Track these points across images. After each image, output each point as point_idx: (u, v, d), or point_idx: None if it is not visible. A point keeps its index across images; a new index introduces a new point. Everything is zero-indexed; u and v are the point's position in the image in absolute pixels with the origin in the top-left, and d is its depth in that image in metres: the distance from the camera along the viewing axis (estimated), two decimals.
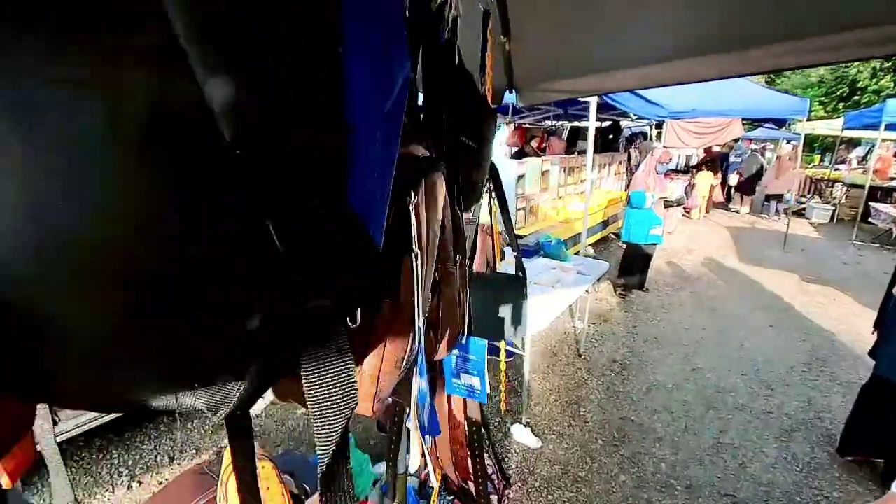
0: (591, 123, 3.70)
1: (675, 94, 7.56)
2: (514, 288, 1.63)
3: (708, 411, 2.84)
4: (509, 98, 2.52)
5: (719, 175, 9.64)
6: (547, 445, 2.51)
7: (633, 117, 5.66)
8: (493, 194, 1.67)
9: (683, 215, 9.21)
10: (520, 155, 5.42)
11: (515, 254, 1.68)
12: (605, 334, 3.88)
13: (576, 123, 10.05)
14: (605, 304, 4.53)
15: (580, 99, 3.64)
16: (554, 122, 8.27)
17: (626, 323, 4.12)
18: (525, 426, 2.60)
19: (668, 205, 4.93)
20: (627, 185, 4.66)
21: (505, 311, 1.62)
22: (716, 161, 9.43)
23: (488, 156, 1.14)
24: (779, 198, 9.23)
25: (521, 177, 4.64)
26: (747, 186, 10.13)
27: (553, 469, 2.35)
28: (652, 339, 3.81)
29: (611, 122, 9.64)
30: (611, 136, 11.16)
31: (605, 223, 6.33)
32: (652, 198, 4.38)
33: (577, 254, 4.55)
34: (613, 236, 6.69)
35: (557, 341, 3.72)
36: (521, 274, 1.65)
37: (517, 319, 1.63)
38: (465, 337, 1.13)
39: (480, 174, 1.13)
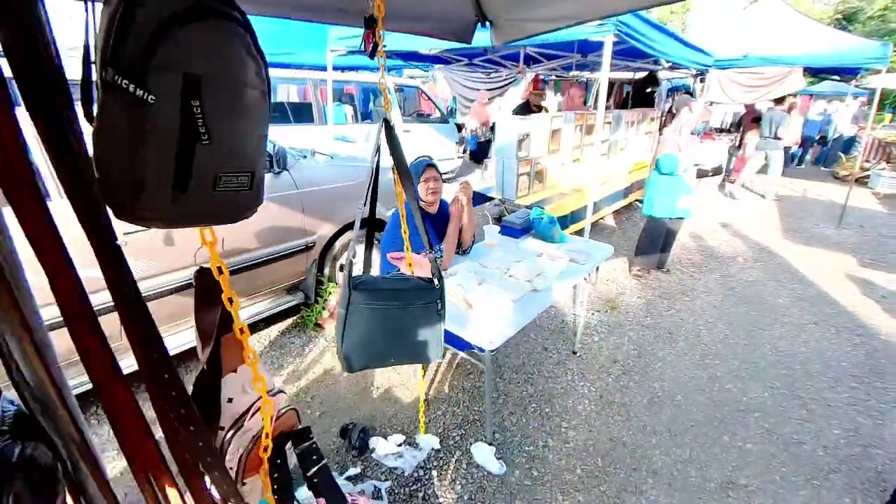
0: (604, 72, 2.94)
1: (722, 38, 6.46)
2: (424, 300, 1.14)
3: (722, 436, 2.30)
4: (482, 36, 1.92)
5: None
6: (512, 472, 2.06)
7: (666, 64, 4.74)
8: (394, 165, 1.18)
9: (727, 181, 8.21)
10: (526, 110, 4.67)
11: (428, 255, 1.19)
12: (609, 325, 3.32)
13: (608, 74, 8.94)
14: (615, 287, 3.93)
15: (591, 39, 2.88)
16: (579, 73, 7.32)
17: (637, 312, 3.53)
18: (490, 445, 2.15)
19: (701, 174, 4.16)
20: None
21: (410, 330, 1.14)
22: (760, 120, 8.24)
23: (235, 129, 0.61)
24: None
25: (524, 137, 3.96)
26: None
27: None
28: (665, 333, 3.23)
29: (647, 74, 8.55)
30: (648, 91, 10.02)
31: (629, 190, 5.57)
32: (685, 161, 3.64)
33: (580, 232, 3.93)
34: (639, 203, 5.92)
35: (550, 332, 3.20)
36: (436, 282, 1.16)
37: (425, 342, 1.16)
38: None
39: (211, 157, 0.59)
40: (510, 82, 8.60)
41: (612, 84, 10.11)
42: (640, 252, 4.07)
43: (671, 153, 3.60)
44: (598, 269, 2.49)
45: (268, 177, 2.73)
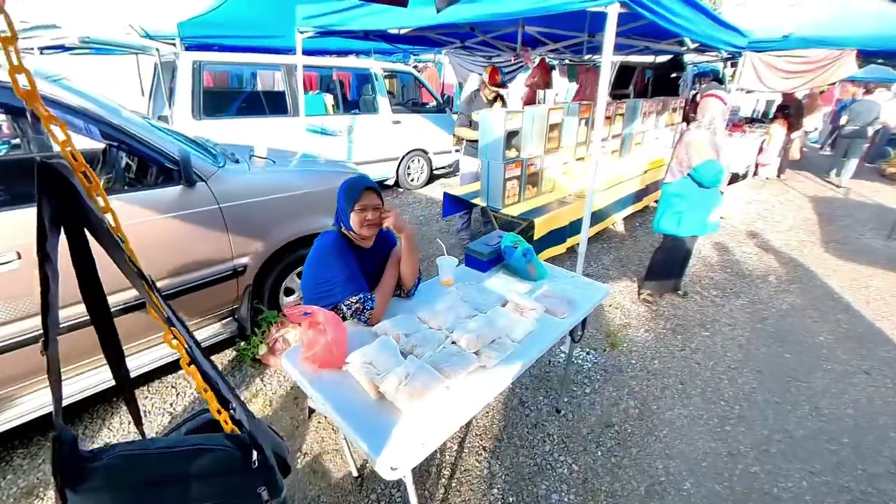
0: (607, 52, 2.26)
1: (760, 16, 5.60)
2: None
3: None
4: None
5: (802, 127, 7.57)
6: None
7: (692, 45, 3.97)
8: None
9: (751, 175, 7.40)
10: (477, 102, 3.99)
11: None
12: (606, 370, 2.71)
13: (625, 58, 8.13)
14: (619, 315, 3.31)
15: (590, 9, 2.21)
16: (593, 56, 6.56)
17: (643, 351, 2.91)
18: None
19: (731, 180, 3.47)
20: (673, 149, 3.21)
21: None
22: (800, 110, 7.35)
23: None
24: None
25: (512, 133, 3.32)
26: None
27: None
28: (676, 384, 2.62)
29: (670, 57, 7.71)
30: (672, 77, 9.12)
31: (643, 193, 4.87)
32: (727, 171, 2.97)
33: (573, 248, 3.30)
34: (655, 204, 5.19)
35: (531, 379, 2.61)
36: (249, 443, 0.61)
37: None
38: None
39: None
40: (518, 68, 7.87)
41: (631, 69, 9.25)
42: (653, 276, 3.42)
43: (713, 160, 2.90)
44: (584, 322, 1.89)
45: (173, 191, 2.20)
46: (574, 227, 3.63)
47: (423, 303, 1.81)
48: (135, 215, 2.08)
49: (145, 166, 2.48)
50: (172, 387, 2.59)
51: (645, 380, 2.64)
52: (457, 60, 7.51)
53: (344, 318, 1.72)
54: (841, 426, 2.33)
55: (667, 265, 3.39)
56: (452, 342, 1.52)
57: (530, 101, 7.49)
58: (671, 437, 2.23)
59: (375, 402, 1.32)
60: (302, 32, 4.08)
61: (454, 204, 3.89)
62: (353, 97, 6.72)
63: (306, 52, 5.79)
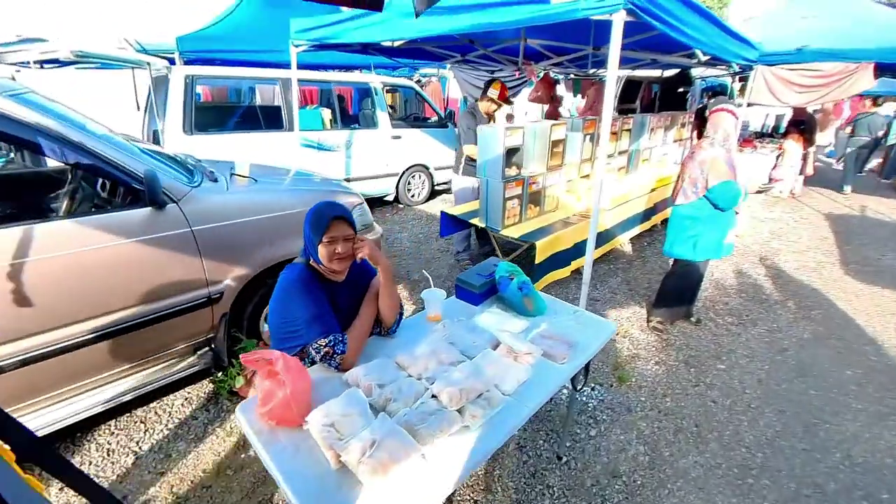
0: (612, 64, 2.07)
1: (773, 27, 5.44)
2: None
3: None
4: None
5: (814, 142, 7.39)
6: None
7: (703, 57, 3.78)
8: None
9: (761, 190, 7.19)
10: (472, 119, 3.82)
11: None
12: (614, 409, 2.47)
13: (632, 72, 7.99)
14: (627, 346, 3.07)
15: (593, 18, 2.02)
16: (598, 71, 6.42)
17: (654, 387, 2.67)
18: None
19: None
20: (682, 167, 3.01)
21: None
22: (813, 125, 7.16)
23: None
24: None
25: (512, 150, 3.13)
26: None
27: None
28: (690, 426, 2.37)
29: (678, 71, 7.56)
30: (680, 91, 8.96)
31: (651, 212, 4.65)
32: (745, 192, 2.77)
33: (578, 270, 3.09)
34: (661, 225, 4.98)
35: (531, 420, 2.38)
36: None
37: None
38: None
39: None
40: (522, 83, 7.75)
41: (638, 83, 9.11)
42: (664, 303, 3.18)
43: (731, 181, 2.69)
44: (588, 366, 1.67)
45: (140, 213, 2.04)
46: (579, 249, 3.42)
47: (405, 343, 1.61)
48: (98, 240, 1.92)
49: (115, 187, 2.33)
50: (142, 422, 2.40)
51: (656, 420, 2.39)
52: (461, 75, 7.42)
53: (314, 363, 1.52)
54: (879, 479, 2.07)
55: (679, 291, 3.16)
56: (433, 395, 1.31)
57: (552, 116, 7.36)
58: (686, 491, 1.98)
59: (336, 472, 1.11)
60: (297, 46, 3.96)
61: (452, 223, 3.70)
62: (353, 112, 6.61)
63: (311, 67, 5.73)
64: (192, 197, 2.23)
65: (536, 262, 3.00)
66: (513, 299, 1.79)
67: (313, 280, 1.54)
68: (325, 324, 1.47)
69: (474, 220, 3.44)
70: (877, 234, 5.60)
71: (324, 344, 1.46)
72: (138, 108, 5.45)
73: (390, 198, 6.16)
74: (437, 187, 6.62)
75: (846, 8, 5.43)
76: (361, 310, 1.61)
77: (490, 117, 3.91)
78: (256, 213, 2.43)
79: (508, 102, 4.03)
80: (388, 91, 7.28)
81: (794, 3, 6.49)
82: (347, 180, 5.40)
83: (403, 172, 6.02)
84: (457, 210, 3.69)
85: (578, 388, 1.74)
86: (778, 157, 7.12)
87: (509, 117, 8.25)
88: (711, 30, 2.85)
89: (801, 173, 7.31)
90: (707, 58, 3.45)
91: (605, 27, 2.10)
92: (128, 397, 2.21)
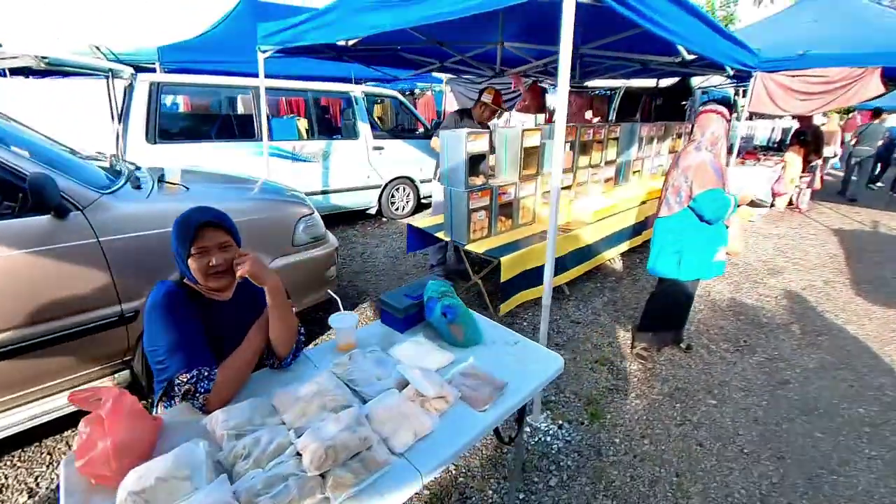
0: (564, 52, 1.79)
1: (773, 31, 5.17)
2: None
3: None
4: None
5: (822, 154, 7.07)
6: None
7: (687, 55, 3.49)
8: None
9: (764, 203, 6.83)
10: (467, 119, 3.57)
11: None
12: (580, 453, 2.13)
13: (631, 83, 7.78)
14: (605, 375, 2.73)
15: None
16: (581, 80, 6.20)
17: (632, 425, 2.32)
18: None
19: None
20: (666, 175, 2.71)
21: None
22: (820, 137, 6.85)
23: None
24: None
25: (476, 157, 2.86)
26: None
27: None
28: (671, 475, 2.02)
29: (678, 80, 7.33)
30: (681, 103, 8.74)
31: (642, 227, 4.34)
32: (735, 202, 2.45)
33: (560, 290, 2.78)
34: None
35: (480, 461, 2.05)
36: None
37: None
38: None
39: None
40: (518, 95, 7.58)
41: (637, 96, 8.90)
42: (649, 327, 2.85)
43: (717, 189, 2.39)
44: (523, 415, 1.35)
45: (35, 222, 1.80)
46: (564, 263, 3.13)
47: (300, 378, 1.32)
48: None
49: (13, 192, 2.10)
50: (49, 453, 2.12)
51: (630, 468, 2.04)
52: (458, 89, 7.29)
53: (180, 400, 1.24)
54: None
55: (665, 313, 2.83)
56: (298, 452, 1.01)
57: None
58: None
59: None
60: (263, 52, 3.78)
61: (420, 238, 3.43)
62: (333, 122, 6.43)
63: (301, 79, 5.57)
64: (100, 204, 1.99)
65: (502, 280, 2.70)
66: (438, 326, 1.49)
67: (185, 300, 1.27)
68: (186, 354, 1.19)
69: (440, 234, 3.16)
70: (889, 252, 5.20)
71: (185, 380, 1.17)
72: (113, 118, 5.33)
73: (373, 210, 5.92)
74: (423, 200, 6.38)
75: (851, 11, 5.16)
76: (246, 338, 1.33)
77: (483, 125, 3.68)
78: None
79: (502, 109, 3.83)
80: (376, 102, 7.10)
81: (802, 7, 6.27)
82: (324, 192, 5.18)
83: (387, 185, 5.79)
84: (423, 222, 3.42)
85: (507, 442, 1.42)
86: (782, 169, 6.79)
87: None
88: (689, 20, 2.58)
89: (808, 186, 6.96)
90: (693, 56, 3.18)
91: (586, 25, 1.83)
92: (28, 425, 1.95)
